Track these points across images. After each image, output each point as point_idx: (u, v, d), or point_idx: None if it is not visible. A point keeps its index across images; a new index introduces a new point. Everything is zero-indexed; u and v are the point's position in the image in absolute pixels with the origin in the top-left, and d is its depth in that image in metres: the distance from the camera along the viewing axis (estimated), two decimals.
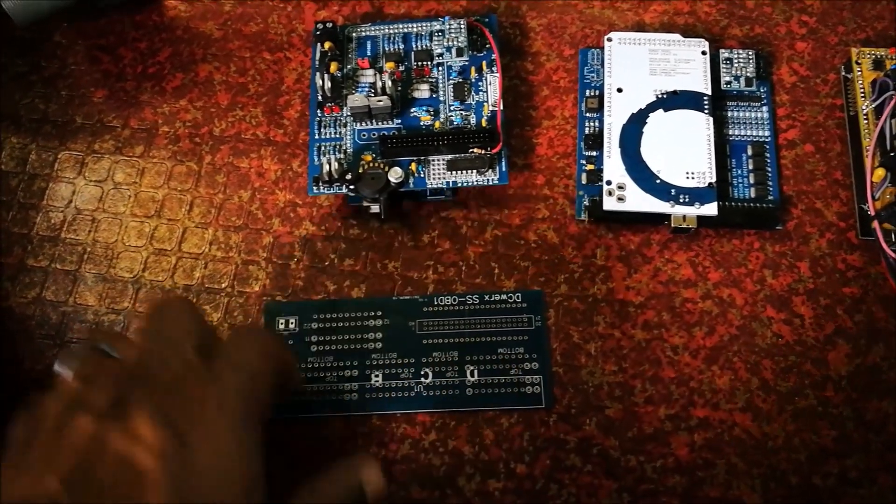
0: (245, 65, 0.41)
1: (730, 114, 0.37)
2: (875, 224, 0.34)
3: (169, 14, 0.42)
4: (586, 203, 0.36)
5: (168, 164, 0.39)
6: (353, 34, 0.39)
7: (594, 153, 0.37)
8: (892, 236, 0.34)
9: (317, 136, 0.37)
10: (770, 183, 0.36)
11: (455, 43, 0.38)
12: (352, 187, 0.35)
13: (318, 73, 0.37)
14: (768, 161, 0.37)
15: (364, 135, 0.37)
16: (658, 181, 0.35)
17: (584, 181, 0.36)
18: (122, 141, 0.39)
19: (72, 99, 0.40)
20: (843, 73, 0.38)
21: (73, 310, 0.36)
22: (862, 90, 0.37)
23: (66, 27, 0.42)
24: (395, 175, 0.35)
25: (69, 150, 0.39)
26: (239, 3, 0.42)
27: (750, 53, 0.38)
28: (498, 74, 0.37)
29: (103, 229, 0.38)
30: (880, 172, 0.34)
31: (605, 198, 0.35)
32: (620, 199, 0.35)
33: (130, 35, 0.42)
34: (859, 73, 0.37)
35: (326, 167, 0.35)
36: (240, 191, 0.38)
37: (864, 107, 0.36)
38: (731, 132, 0.37)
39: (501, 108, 0.36)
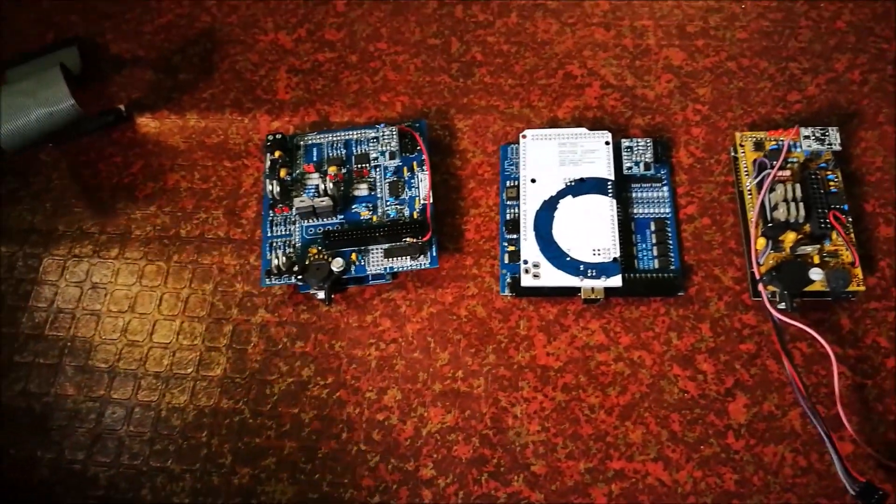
0: (208, 172, 0.46)
1: (634, 195, 0.42)
2: (760, 287, 0.38)
3: (141, 130, 0.48)
4: (509, 280, 0.40)
5: (140, 264, 0.44)
6: (301, 142, 0.44)
7: (514, 236, 0.41)
8: (777, 296, 0.38)
9: (269, 234, 0.42)
10: (672, 254, 0.41)
11: (388, 147, 0.43)
12: (299, 277, 0.40)
13: (268, 180, 0.42)
14: (670, 234, 0.41)
15: (311, 230, 0.42)
16: (568, 258, 0.40)
17: (506, 261, 0.41)
18: (100, 245, 0.44)
19: (56, 210, 0.46)
20: (733, 154, 0.43)
21: (53, 400, 0.40)
22: (746, 169, 0.42)
23: (51, 147, 0.47)
24: (336, 265, 0.40)
25: (52, 256, 0.44)
26: (202, 118, 0.48)
27: (648, 141, 0.43)
28: (427, 172, 0.42)
29: (82, 325, 0.42)
30: (762, 241, 0.39)
31: (523, 275, 0.39)
32: (536, 276, 0.39)
33: (107, 151, 0.47)
34: (743, 154, 0.42)
35: (275, 262, 0.40)
36: (203, 285, 0.43)
37: (748, 183, 0.41)
38: (635, 210, 0.42)
39: (431, 201, 0.41)
